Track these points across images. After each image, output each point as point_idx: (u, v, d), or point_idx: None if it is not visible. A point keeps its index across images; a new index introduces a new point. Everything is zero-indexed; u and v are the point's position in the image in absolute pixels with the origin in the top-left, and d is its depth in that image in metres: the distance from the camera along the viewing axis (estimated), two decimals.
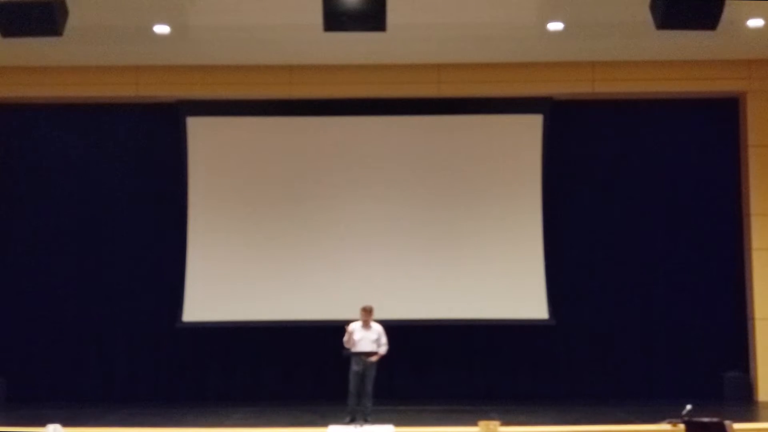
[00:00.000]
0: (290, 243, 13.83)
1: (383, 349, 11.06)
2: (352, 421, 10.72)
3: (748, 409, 12.50)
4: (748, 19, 12.08)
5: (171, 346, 13.95)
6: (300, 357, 13.80)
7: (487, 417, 10.30)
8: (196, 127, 14.07)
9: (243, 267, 13.80)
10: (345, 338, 10.98)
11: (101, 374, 13.91)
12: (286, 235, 13.86)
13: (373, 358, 10.96)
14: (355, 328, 11.00)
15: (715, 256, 14.06)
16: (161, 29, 12.42)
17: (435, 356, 13.95)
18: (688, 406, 10.60)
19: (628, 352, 13.93)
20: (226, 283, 13.72)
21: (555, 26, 12.41)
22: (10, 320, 13.94)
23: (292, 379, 13.88)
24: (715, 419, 8.97)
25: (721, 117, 14.27)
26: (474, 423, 10.13)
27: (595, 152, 14.28)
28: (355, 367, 10.94)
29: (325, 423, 10.65)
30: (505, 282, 13.69)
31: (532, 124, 13.98)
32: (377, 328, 11.09)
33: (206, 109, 14.09)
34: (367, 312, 11.04)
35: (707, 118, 14.32)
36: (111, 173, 14.26)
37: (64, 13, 10.27)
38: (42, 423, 9.81)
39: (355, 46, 12.67)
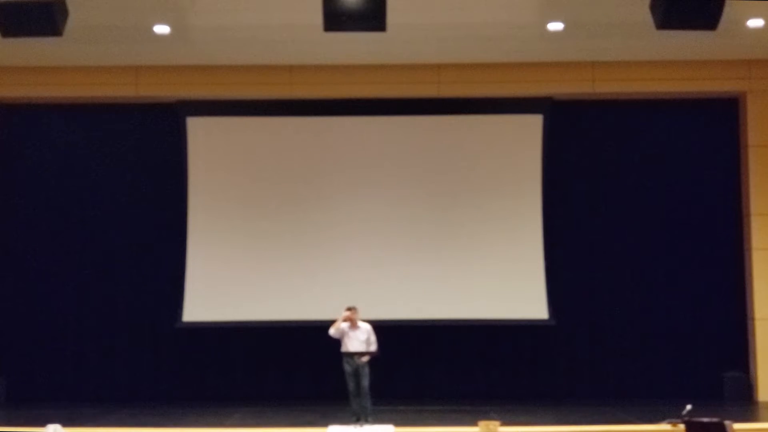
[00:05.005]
0: (290, 243, 13.82)
1: (374, 348, 11.04)
2: (358, 421, 10.73)
3: (748, 409, 12.50)
4: (748, 19, 12.07)
5: (171, 346, 13.95)
6: (300, 357, 13.78)
7: (487, 417, 10.31)
8: (196, 127, 14.07)
9: (243, 267, 13.79)
10: (332, 330, 10.95)
11: (101, 374, 13.90)
12: (286, 234, 13.85)
13: (365, 358, 10.95)
14: (344, 329, 11.00)
15: (715, 256, 14.05)
16: (161, 29, 12.41)
17: (435, 356, 13.95)
18: (688, 406, 10.60)
19: (628, 352, 13.91)
20: (226, 283, 13.72)
21: (555, 26, 12.40)
22: (10, 320, 13.94)
23: (292, 379, 13.88)
24: (715, 419, 8.96)
25: (721, 117, 14.27)
26: (474, 423, 10.13)
27: (595, 152, 14.28)
28: (347, 368, 10.94)
29: (325, 423, 10.64)
30: (505, 282, 13.68)
31: (532, 124, 13.98)
32: (365, 327, 11.07)
33: (206, 109, 14.09)
34: (353, 311, 11.02)
35: (707, 118, 14.32)
36: (111, 173, 14.26)
37: (64, 13, 10.25)
38: (42, 423, 9.82)
39: (355, 46, 12.66)
